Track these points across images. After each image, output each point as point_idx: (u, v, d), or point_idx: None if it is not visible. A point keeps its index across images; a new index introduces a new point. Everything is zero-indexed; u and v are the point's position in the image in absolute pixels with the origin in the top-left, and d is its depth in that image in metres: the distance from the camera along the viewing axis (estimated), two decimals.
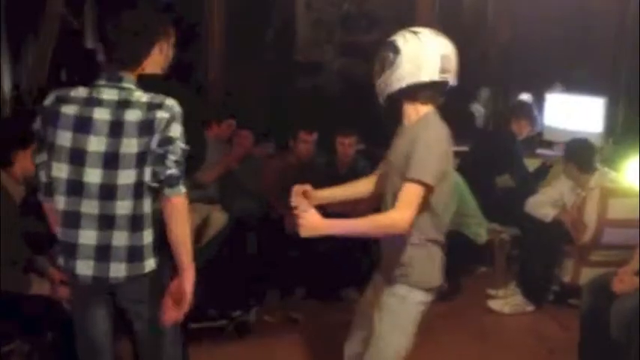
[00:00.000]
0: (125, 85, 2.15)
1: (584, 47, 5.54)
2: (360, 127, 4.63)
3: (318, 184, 4.98)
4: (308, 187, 2.53)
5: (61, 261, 2.20)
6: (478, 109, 5.82)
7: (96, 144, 2.09)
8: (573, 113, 5.32)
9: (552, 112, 5.43)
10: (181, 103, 2.21)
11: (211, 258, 3.99)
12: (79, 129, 2.10)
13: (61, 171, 2.12)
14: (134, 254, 2.16)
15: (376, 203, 2.50)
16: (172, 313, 2.20)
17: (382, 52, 2.33)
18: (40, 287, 2.92)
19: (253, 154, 4.60)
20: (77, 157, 2.10)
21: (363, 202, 2.67)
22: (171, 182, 2.12)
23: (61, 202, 2.13)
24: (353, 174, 4.54)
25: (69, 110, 2.10)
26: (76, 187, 2.11)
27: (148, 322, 2.28)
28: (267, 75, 5.86)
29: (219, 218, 4.16)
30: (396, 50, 2.28)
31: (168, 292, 2.20)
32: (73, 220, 2.13)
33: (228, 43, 5.44)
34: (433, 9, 5.53)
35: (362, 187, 2.64)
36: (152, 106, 2.13)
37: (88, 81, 2.19)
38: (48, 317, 2.91)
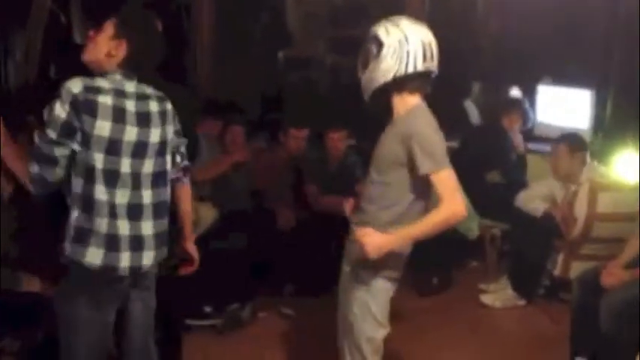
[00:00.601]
0: (134, 79, 2.22)
1: (573, 40, 5.55)
2: (351, 122, 4.63)
3: (310, 180, 4.97)
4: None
5: (93, 257, 2.12)
6: (470, 105, 5.83)
7: (129, 134, 2.15)
8: (562, 107, 5.33)
9: (543, 107, 5.44)
10: (173, 98, 2.31)
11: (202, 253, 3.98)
12: (116, 119, 2.12)
13: (98, 161, 2.11)
14: (160, 240, 2.26)
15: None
16: (187, 268, 2.56)
17: (365, 47, 2.34)
18: (29, 284, 2.90)
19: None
20: (114, 147, 2.12)
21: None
22: (187, 171, 2.42)
23: (102, 192, 2.12)
24: (344, 169, 4.56)
25: (106, 100, 2.11)
26: (113, 177, 2.13)
27: (149, 311, 2.34)
28: (257, 70, 5.84)
29: (208, 214, 4.14)
30: (379, 43, 2.29)
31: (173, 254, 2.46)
32: (112, 211, 2.14)
33: (218, 39, 5.42)
34: (422, 2, 5.52)
35: None
36: (161, 99, 2.27)
37: (78, 75, 2.18)
38: (38, 315, 2.89)
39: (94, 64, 2.19)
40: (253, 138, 4.92)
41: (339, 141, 4.54)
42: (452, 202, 2.22)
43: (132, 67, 2.18)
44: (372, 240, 2.25)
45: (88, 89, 2.09)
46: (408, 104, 2.34)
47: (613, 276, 3.22)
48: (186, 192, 2.47)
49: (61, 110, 2.06)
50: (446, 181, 2.24)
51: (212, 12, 5.46)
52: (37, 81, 4.42)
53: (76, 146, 2.09)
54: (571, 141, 4.24)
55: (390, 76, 2.29)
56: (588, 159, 4.30)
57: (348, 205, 2.53)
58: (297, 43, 6.32)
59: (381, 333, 2.43)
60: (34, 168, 2.11)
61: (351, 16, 5.84)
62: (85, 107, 2.07)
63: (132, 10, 2.23)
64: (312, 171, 4.55)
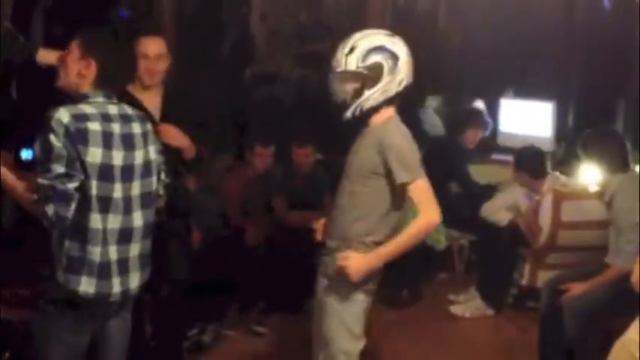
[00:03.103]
0: (115, 99, 2.21)
1: (534, 53, 5.66)
2: (318, 136, 4.63)
3: (277, 195, 4.93)
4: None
5: (87, 286, 2.11)
6: (433, 117, 5.89)
7: (117, 158, 2.14)
8: (524, 118, 5.43)
9: (505, 118, 5.53)
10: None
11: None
12: (106, 145, 2.11)
13: (93, 189, 2.09)
14: (144, 261, 2.25)
15: None
16: None
17: (375, 62, 2.30)
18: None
19: (213, 170, 4.54)
20: (106, 173, 2.11)
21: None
22: (165, 188, 2.34)
23: (97, 220, 2.11)
24: (311, 184, 4.56)
25: (96, 127, 2.10)
26: (105, 204, 2.12)
27: (126, 330, 2.33)
28: (223, 87, 5.82)
29: None
30: (394, 56, 2.32)
31: None
32: (105, 238, 2.13)
33: (181, 56, 5.38)
34: (384, 17, 5.58)
35: None
36: (143, 119, 2.27)
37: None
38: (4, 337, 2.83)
39: (69, 87, 2.20)
40: (220, 155, 4.90)
41: (305, 156, 4.54)
42: (428, 211, 2.29)
43: (104, 85, 2.17)
44: (354, 263, 2.30)
45: (76, 118, 2.07)
46: (385, 114, 2.38)
47: (571, 290, 3.29)
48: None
49: (58, 143, 2.03)
50: (422, 190, 2.31)
51: (175, 28, 5.42)
52: None
53: (82, 176, 2.07)
54: (531, 171, 4.26)
55: (402, 86, 2.34)
56: (549, 169, 4.38)
57: (318, 231, 2.54)
58: (263, 59, 6.33)
59: (357, 346, 2.43)
60: (50, 209, 2.04)
61: (316, 33, 5.88)
62: (76, 136, 2.06)
63: (95, 29, 2.24)
64: (279, 186, 4.55)
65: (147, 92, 2.92)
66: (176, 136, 2.85)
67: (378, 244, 2.36)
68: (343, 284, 2.38)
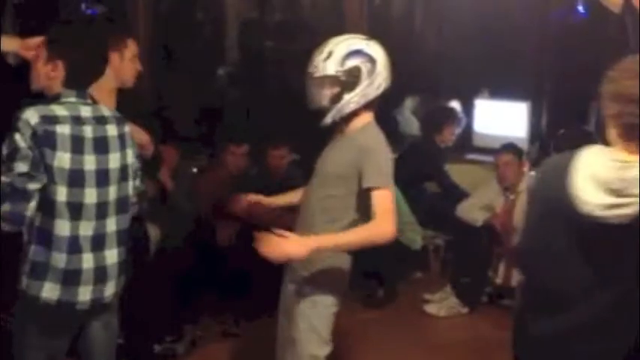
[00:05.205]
0: (90, 100, 2.15)
1: (509, 55, 5.71)
2: (294, 137, 4.62)
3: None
4: (253, 197, 2.52)
5: (50, 292, 2.06)
6: (410, 117, 5.91)
7: (90, 163, 2.08)
8: (499, 119, 5.47)
9: (480, 118, 5.57)
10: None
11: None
12: (75, 149, 2.05)
13: (61, 195, 2.03)
14: (121, 268, 2.20)
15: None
16: None
17: (353, 66, 2.29)
18: None
19: (183, 171, 4.48)
20: (76, 179, 2.05)
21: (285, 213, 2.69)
22: (142, 197, 2.29)
23: (64, 227, 2.05)
24: (286, 185, 4.52)
25: (64, 130, 2.03)
26: (77, 210, 2.06)
27: (110, 331, 2.28)
28: (197, 86, 5.78)
29: (154, 235, 4.05)
30: (371, 60, 2.30)
31: None
32: (75, 245, 2.07)
33: (155, 54, 5.34)
34: (362, 17, 5.59)
35: (297, 197, 2.65)
36: (120, 120, 2.20)
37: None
38: None
39: (43, 89, 2.14)
40: (194, 155, 4.86)
41: (280, 158, 4.50)
42: (384, 221, 2.23)
43: (74, 85, 2.11)
44: (292, 243, 2.16)
45: (45, 119, 2.01)
46: (365, 119, 2.36)
47: None
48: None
49: (24, 144, 1.98)
50: (384, 200, 2.25)
51: (149, 25, 5.37)
52: None
53: (45, 179, 2.01)
54: (515, 150, 4.36)
55: (381, 90, 2.33)
56: (526, 168, 4.42)
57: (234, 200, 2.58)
58: (237, 58, 6.30)
59: (324, 350, 2.41)
60: (6, 206, 1.99)
61: (292, 31, 5.87)
62: (43, 139, 1.99)
63: (61, 28, 2.17)
64: (252, 187, 4.51)
65: (108, 94, 2.74)
66: (134, 131, 2.74)
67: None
68: (311, 288, 2.36)
